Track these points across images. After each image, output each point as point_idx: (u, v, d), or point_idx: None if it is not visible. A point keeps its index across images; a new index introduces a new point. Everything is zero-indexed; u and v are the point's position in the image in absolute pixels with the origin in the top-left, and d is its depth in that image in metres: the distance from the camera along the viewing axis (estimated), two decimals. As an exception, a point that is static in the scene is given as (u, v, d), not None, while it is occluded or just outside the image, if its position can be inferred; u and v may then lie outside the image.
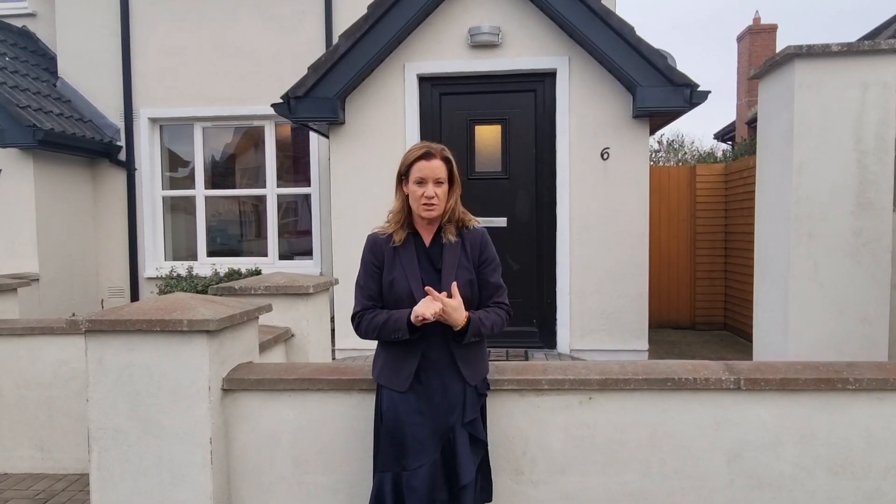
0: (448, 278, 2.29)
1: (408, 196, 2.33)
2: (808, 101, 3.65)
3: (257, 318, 3.05)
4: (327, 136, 6.32)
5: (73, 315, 2.77)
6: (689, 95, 5.38)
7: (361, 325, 2.34)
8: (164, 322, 2.55)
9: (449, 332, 2.26)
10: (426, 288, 2.19)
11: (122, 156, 7.93)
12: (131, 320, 2.57)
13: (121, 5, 7.79)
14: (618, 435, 2.64)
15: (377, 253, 2.36)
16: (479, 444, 2.34)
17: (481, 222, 2.50)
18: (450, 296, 2.21)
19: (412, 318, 2.16)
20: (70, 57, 7.98)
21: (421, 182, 2.27)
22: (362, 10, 5.76)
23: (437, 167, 2.27)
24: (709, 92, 5.42)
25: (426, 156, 2.28)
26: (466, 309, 2.26)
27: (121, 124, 7.92)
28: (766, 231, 4.10)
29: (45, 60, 8.32)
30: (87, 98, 7.95)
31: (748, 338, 7.04)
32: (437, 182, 2.27)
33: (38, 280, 6.85)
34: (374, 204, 5.87)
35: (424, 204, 2.27)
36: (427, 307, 2.14)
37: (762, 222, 4.18)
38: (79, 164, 7.67)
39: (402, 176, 2.34)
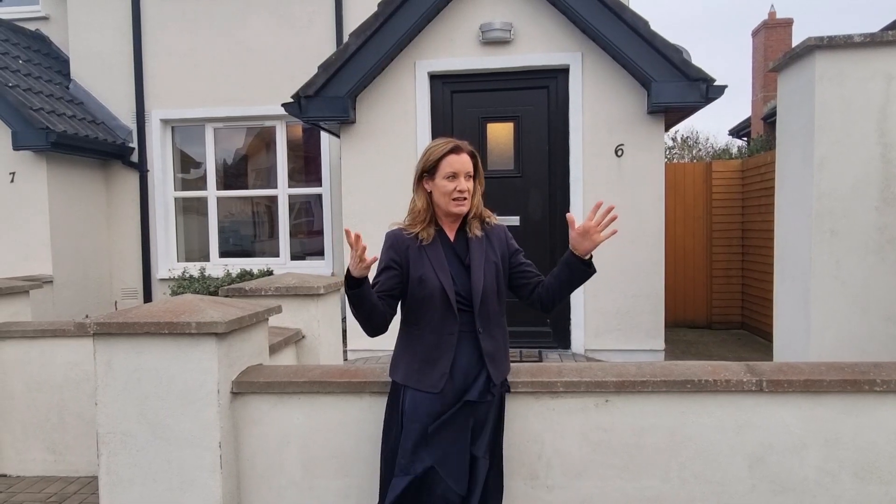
0: (477, 273, 2.26)
1: (430, 193, 2.29)
2: (830, 94, 3.55)
3: (267, 319, 3.01)
4: (338, 136, 6.29)
5: (87, 317, 2.76)
6: (705, 90, 5.28)
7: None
8: (173, 324, 2.51)
9: (479, 329, 2.24)
10: (346, 230, 2.12)
11: (135, 157, 7.96)
12: (139, 322, 2.53)
13: (132, 7, 7.81)
14: (635, 438, 2.57)
15: (400, 250, 2.28)
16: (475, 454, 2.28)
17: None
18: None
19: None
20: (82, 59, 8.02)
21: (453, 176, 2.23)
22: (373, 9, 5.71)
23: (466, 161, 2.26)
24: (725, 87, 5.32)
25: (456, 150, 2.25)
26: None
27: (133, 126, 7.94)
28: (787, 228, 4.01)
29: (57, 63, 8.37)
30: (99, 100, 7.98)
31: (766, 337, 6.92)
32: (468, 176, 2.26)
33: (51, 282, 6.88)
34: (385, 203, 5.83)
35: (456, 199, 2.24)
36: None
37: (782, 219, 4.08)
38: (91, 166, 7.70)
39: (426, 172, 2.28)
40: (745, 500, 2.54)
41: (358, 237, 2.06)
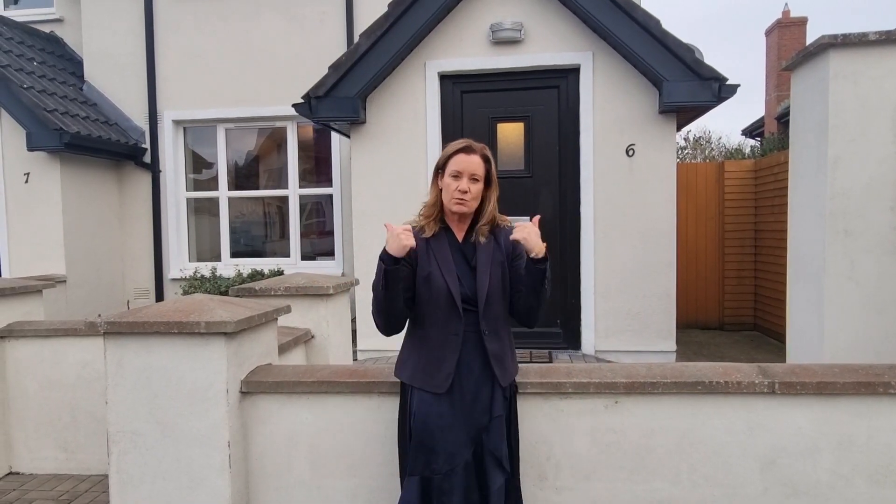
0: (483, 275, 2.25)
1: (441, 190, 2.29)
2: (844, 93, 3.50)
3: (276, 319, 3.01)
4: (348, 136, 6.30)
5: (99, 316, 2.77)
6: (717, 89, 5.24)
7: (372, 303, 2.27)
8: (182, 324, 2.52)
9: (484, 330, 2.23)
10: (385, 224, 2.18)
11: (147, 158, 8.01)
12: (149, 322, 2.55)
13: (145, 9, 7.86)
14: (645, 440, 2.55)
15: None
16: (491, 453, 2.26)
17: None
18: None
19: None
20: (96, 61, 8.08)
21: (457, 175, 2.23)
22: (383, 9, 5.72)
23: (475, 162, 2.23)
24: (738, 86, 5.27)
25: (466, 150, 2.24)
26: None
27: (145, 127, 8.00)
28: (800, 228, 3.96)
29: (71, 64, 8.45)
30: (112, 101, 8.04)
31: (779, 338, 6.86)
32: (473, 178, 2.23)
33: (64, 282, 6.94)
34: (395, 203, 5.83)
35: (457, 198, 2.22)
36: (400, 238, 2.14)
37: (795, 219, 4.04)
38: (104, 167, 7.76)
39: (439, 169, 2.30)
40: (756, 502, 2.52)
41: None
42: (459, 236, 2.33)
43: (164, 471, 2.61)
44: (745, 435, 2.50)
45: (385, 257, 2.15)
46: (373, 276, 2.23)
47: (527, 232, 2.15)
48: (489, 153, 2.30)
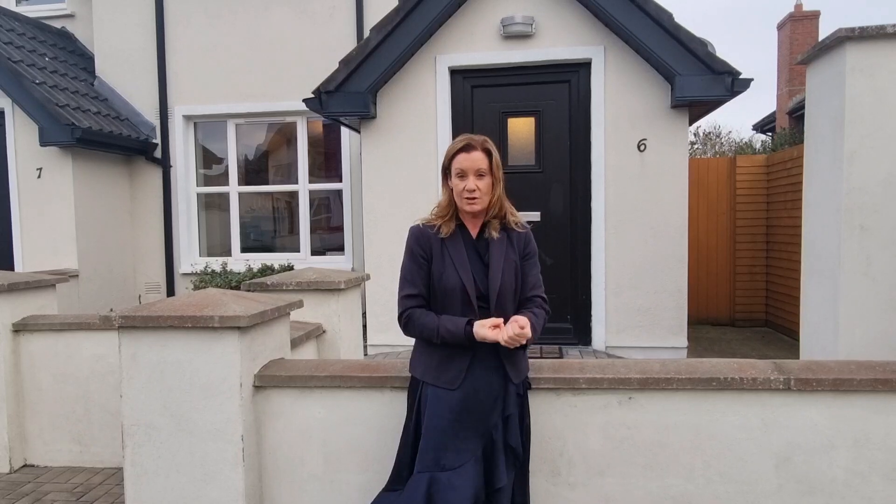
0: (496, 273, 2.25)
1: (452, 190, 2.29)
2: (861, 86, 3.46)
3: (288, 314, 3.02)
4: (358, 131, 6.29)
5: (111, 310, 2.78)
6: (730, 83, 5.19)
7: (410, 323, 2.28)
8: (196, 318, 2.53)
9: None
10: (492, 321, 2.14)
11: (158, 153, 8.04)
12: (163, 316, 2.55)
13: (155, 4, 7.88)
14: (659, 436, 2.54)
15: (424, 244, 2.30)
16: (513, 450, 2.27)
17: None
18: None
19: (476, 335, 2.14)
20: (107, 56, 8.11)
21: (462, 175, 2.23)
22: (393, 3, 5.71)
23: (477, 159, 2.22)
24: (751, 80, 5.22)
25: (466, 148, 2.23)
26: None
27: (156, 122, 8.02)
28: (815, 224, 3.93)
29: (83, 60, 8.48)
30: (123, 96, 8.07)
31: (791, 335, 6.82)
32: (478, 174, 2.22)
33: (77, 276, 6.98)
34: (405, 198, 5.83)
35: (467, 198, 2.23)
36: (494, 333, 2.12)
37: (810, 214, 4.00)
38: (116, 162, 7.80)
39: (446, 170, 2.30)
40: (771, 500, 2.50)
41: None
42: (474, 232, 2.33)
43: (178, 464, 2.62)
44: (759, 431, 2.49)
45: (469, 334, 2.15)
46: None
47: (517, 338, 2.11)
48: (490, 145, 2.28)
